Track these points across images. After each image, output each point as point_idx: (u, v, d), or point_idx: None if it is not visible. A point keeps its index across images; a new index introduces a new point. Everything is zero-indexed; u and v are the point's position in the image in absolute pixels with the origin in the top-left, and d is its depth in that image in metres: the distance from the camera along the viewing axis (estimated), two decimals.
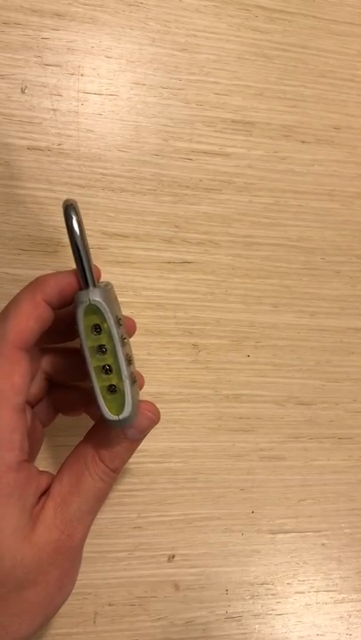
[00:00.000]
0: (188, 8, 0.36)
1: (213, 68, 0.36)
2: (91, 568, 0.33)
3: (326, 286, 0.38)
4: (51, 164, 0.33)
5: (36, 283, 0.25)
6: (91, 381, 0.24)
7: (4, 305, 0.25)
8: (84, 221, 0.34)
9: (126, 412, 0.25)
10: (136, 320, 0.34)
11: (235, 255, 0.36)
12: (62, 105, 0.34)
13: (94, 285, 0.25)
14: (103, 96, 0.34)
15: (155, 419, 0.27)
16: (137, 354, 0.34)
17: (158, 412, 0.27)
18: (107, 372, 0.24)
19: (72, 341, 0.29)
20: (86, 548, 0.33)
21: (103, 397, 0.24)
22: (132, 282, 0.34)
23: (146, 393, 0.34)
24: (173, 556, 0.34)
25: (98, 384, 0.24)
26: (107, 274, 0.34)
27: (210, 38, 0.36)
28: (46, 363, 0.29)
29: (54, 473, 0.26)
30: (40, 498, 0.25)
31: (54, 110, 0.33)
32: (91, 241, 0.34)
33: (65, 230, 0.24)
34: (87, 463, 0.26)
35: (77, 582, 0.32)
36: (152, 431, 0.34)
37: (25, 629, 0.24)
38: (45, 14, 0.33)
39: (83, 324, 0.24)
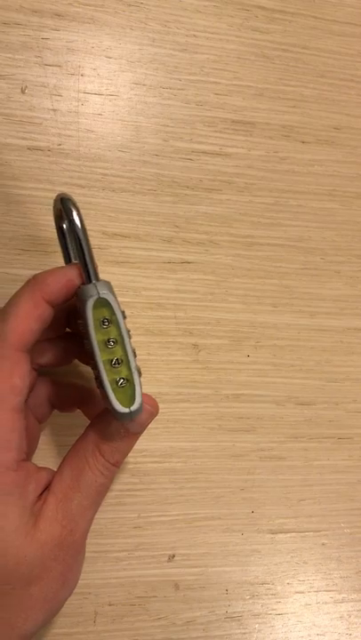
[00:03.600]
0: (189, 8, 0.36)
1: (213, 68, 0.36)
2: (91, 568, 0.33)
3: (326, 286, 0.38)
4: (51, 165, 0.33)
5: (35, 281, 0.25)
6: (99, 375, 0.24)
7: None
8: (86, 222, 0.34)
9: (137, 404, 0.24)
10: (136, 320, 0.34)
11: (235, 255, 0.36)
12: (62, 105, 0.34)
13: (97, 279, 0.25)
14: (103, 96, 0.34)
15: (154, 412, 0.27)
16: (137, 354, 0.34)
17: (157, 405, 0.27)
18: (115, 365, 0.24)
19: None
20: (87, 548, 0.33)
21: (113, 391, 0.24)
22: (133, 282, 0.34)
23: (146, 392, 0.34)
24: (173, 556, 0.34)
25: (107, 377, 0.24)
26: (107, 274, 0.34)
27: (210, 38, 0.36)
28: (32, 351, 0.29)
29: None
30: (41, 494, 0.25)
31: (54, 110, 0.34)
32: (91, 241, 0.34)
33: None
34: (87, 458, 0.26)
35: (78, 582, 0.33)
36: (152, 431, 0.34)
37: (30, 625, 0.24)
38: (45, 14, 0.33)
39: (92, 317, 0.24)
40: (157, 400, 0.35)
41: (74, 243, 0.25)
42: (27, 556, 0.23)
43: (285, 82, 0.37)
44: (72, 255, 0.27)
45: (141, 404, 0.25)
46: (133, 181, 0.34)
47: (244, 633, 0.34)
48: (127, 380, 0.25)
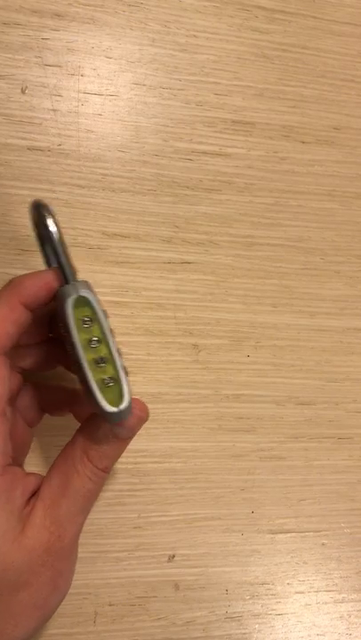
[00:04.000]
0: (188, 8, 0.36)
1: (213, 68, 0.36)
2: (91, 568, 0.33)
3: (326, 286, 0.38)
4: (51, 165, 0.33)
5: (12, 285, 0.25)
6: (84, 375, 0.24)
7: None
8: (86, 222, 0.34)
9: (126, 402, 0.24)
10: (136, 320, 0.34)
11: (235, 255, 0.36)
12: (62, 105, 0.34)
13: (75, 280, 0.25)
14: (103, 96, 0.34)
15: (143, 416, 0.27)
16: (137, 354, 0.34)
17: (147, 409, 0.27)
18: (101, 365, 0.24)
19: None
20: (86, 548, 0.33)
21: (100, 390, 0.24)
22: (132, 282, 0.34)
23: (146, 393, 0.34)
24: (173, 556, 0.34)
25: (93, 377, 0.24)
26: (107, 274, 0.34)
27: (210, 39, 0.36)
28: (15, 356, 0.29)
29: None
30: (29, 500, 0.25)
31: (54, 111, 0.34)
32: (91, 241, 0.34)
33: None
34: (76, 464, 0.25)
35: (77, 582, 0.33)
36: (152, 431, 0.34)
37: (21, 631, 0.24)
38: (45, 15, 0.33)
39: (73, 317, 0.24)
40: (157, 400, 0.35)
41: (49, 246, 0.25)
42: (14, 562, 0.23)
43: (285, 82, 0.37)
44: (52, 260, 0.27)
45: (130, 403, 0.24)
46: (133, 181, 0.34)
47: (244, 633, 0.34)
48: (114, 379, 0.24)
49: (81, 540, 0.32)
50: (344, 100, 0.38)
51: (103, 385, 0.24)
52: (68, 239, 0.33)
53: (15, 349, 0.27)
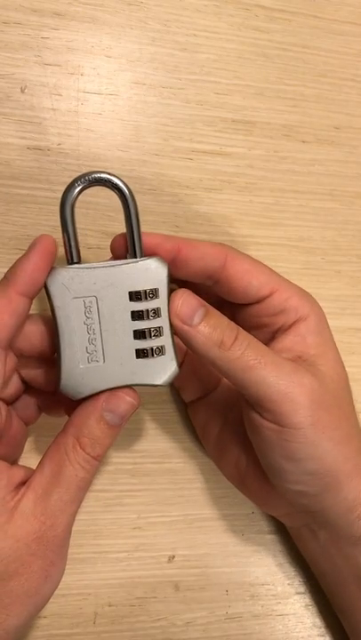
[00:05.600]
0: (189, 7, 0.36)
1: (214, 67, 0.36)
2: (91, 569, 0.33)
3: (327, 286, 0.38)
4: (51, 164, 0.33)
5: (5, 277, 0.25)
6: (170, 339, 0.26)
7: None
8: (86, 221, 0.34)
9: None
10: None
11: None
12: (62, 104, 0.33)
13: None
14: (103, 95, 0.34)
15: (134, 403, 0.27)
16: None
17: (138, 397, 0.27)
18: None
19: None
20: (86, 549, 0.33)
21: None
22: None
23: (147, 392, 0.34)
24: (173, 557, 0.34)
25: (173, 342, 0.26)
26: None
27: (210, 38, 0.36)
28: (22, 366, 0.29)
29: None
30: (18, 490, 0.25)
31: (54, 110, 0.33)
32: (91, 241, 0.34)
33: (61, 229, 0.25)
34: (68, 452, 0.25)
35: (77, 583, 0.32)
36: (152, 431, 0.34)
37: (13, 620, 0.24)
38: (45, 14, 0.33)
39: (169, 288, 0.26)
40: (158, 400, 0.35)
41: (127, 216, 0.25)
42: (0, 551, 0.23)
43: (286, 81, 0.37)
44: (74, 254, 0.27)
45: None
46: (133, 181, 0.34)
47: (245, 634, 0.34)
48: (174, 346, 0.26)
49: (81, 541, 0.33)
50: (345, 100, 0.38)
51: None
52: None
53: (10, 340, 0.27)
